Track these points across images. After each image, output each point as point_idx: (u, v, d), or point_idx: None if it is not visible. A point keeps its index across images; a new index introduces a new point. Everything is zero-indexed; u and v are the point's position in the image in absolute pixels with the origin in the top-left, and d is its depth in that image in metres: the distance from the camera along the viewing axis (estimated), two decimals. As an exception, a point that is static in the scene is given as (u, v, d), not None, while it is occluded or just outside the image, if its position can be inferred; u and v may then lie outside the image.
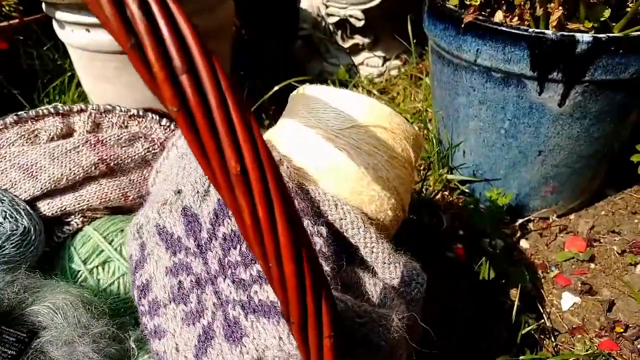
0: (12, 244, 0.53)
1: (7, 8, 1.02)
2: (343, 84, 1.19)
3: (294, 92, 0.62)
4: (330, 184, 0.50)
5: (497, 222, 0.86)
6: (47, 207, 0.61)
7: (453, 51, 0.80)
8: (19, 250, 0.53)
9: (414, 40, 1.21)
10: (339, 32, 1.31)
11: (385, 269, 0.46)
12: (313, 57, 1.37)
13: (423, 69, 1.32)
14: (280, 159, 0.48)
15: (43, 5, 1.00)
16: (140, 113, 0.67)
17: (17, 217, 0.56)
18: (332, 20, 1.28)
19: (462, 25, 0.75)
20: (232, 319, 0.40)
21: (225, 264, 0.42)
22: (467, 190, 0.92)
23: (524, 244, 0.89)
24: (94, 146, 0.62)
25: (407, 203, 0.57)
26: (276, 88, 1.12)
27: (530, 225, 0.92)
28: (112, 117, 0.66)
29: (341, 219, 0.47)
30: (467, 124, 0.86)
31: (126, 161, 0.64)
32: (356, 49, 1.33)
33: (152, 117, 0.67)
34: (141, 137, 0.66)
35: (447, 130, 0.92)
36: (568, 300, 0.78)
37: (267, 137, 0.54)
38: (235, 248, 0.42)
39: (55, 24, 1.02)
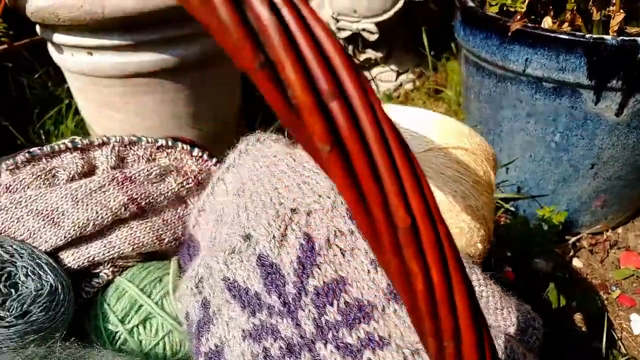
0: (39, 307, 0.45)
1: (-4, 33, 0.93)
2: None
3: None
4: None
5: (548, 242, 0.80)
6: (73, 259, 0.52)
7: (497, 62, 0.74)
8: (48, 315, 0.45)
9: (432, 53, 1.16)
10: (350, 47, 1.25)
11: (498, 315, 0.39)
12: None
13: (440, 81, 1.27)
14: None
15: (37, 28, 0.92)
16: (169, 143, 0.59)
17: (41, 273, 0.48)
18: (343, 35, 1.22)
19: (509, 34, 0.70)
20: (340, 396, 0.32)
21: (323, 325, 0.34)
22: (511, 209, 0.86)
23: (576, 262, 0.83)
24: (122, 184, 0.54)
25: (492, 233, 0.50)
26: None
27: (582, 242, 0.86)
28: (137, 150, 0.58)
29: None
30: (512, 138, 0.80)
31: (158, 199, 0.56)
32: (368, 64, 1.27)
33: (183, 148, 0.60)
34: (173, 171, 0.58)
35: (485, 145, 0.86)
36: (638, 322, 0.72)
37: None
38: (332, 305, 0.35)
39: (51, 48, 0.94)
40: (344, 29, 1.21)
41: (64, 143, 0.55)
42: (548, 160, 0.78)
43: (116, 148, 0.57)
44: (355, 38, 1.23)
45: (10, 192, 0.51)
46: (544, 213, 0.78)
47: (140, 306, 0.51)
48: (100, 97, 0.93)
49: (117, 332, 0.50)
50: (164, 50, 0.86)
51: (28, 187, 0.52)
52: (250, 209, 0.42)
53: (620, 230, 0.89)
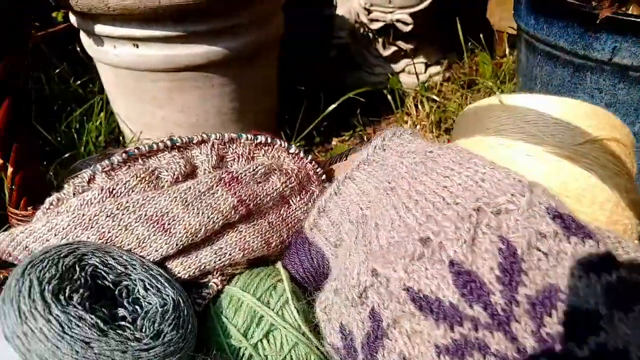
0: (169, 325, 0.40)
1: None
2: (394, 93, 1.10)
3: (469, 107, 0.52)
4: (586, 214, 0.41)
5: None
6: (182, 268, 0.47)
7: (578, 51, 0.72)
8: (179, 333, 0.40)
9: (469, 44, 1.13)
10: (380, 40, 1.22)
11: None
12: (349, 67, 1.28)
13: (470, 72, 1.25)
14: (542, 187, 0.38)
15: (73, 18, 0.85)
16: (268, 140, 0.55)
17: (159, 286, 0.43)
18: (375, 26, 1.18)
19: (597, 22, 0.68)
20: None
21: (545, 338, 0.31)
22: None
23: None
24: (229, 185, 0.49)
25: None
26: (334, 105, 1.02)
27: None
28: (236, 148, 0.54)
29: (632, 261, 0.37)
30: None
31: (265, 200, 0.52)
32: (397, 56, 1.24)
33: (281, 145, 0.55)
34: (275, 170, 0.54)
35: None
36: None
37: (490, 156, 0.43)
38: (550, 315, 0.32)
39: (87, 40, 0.87)
40: (377, 20, 1.18)
41: (161, 141, 0.50)
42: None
43: (216, 146, 0.52)
44: (388, 29, 1.19)
45: (114, 196, 0.46)
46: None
47: (261, 317, 0.47)
48: (143, 93, 0.87)
49: (240, 348, 0.45)
50: (213, 42, 0.81)
51: (132, 190, 0.47)
52: (415, 210, 0.38)
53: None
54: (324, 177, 0.58)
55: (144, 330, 0.39)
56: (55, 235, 0.45)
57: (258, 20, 0.85)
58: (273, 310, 0.47)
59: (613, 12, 0.67)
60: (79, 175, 0.48)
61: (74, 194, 0.47)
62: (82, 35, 0.88)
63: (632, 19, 0.66)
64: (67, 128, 1.01)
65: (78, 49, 1.04)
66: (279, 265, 0.53)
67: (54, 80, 1.12)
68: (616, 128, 0.45)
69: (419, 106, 1.07)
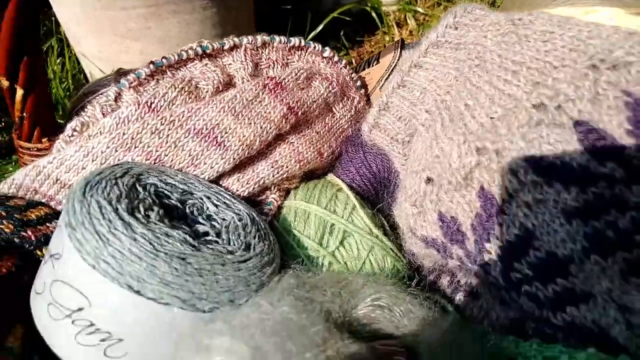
0: (254, 237, 0.36)
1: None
2: (377, 12, 1.05)
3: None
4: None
5: None
6: (240, 185, 0.43)
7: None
8: (265, 244, 0.36)
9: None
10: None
11: None
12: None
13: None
14: None
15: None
16: (302, 43, 0.50)
17: (227, 202, 0.38)
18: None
19: None
20: None
21: None
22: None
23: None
24: (274, 92, 0.44)
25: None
26: (321, 26, 0.96)
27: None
28: (270, 53, 0.48)
29: None
30: None
31: (311, 107, 0.47)
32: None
33: (314, 48, 0.50)
34: (316, 74, 0.49)
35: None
36: None
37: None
38: None
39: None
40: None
41: (190, 48, 0.44)
42: None
43: (249, 52, 0.46)
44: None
45: (154, 110, 0.40)
46: None
47: (333, 226, 0.43)
48: (115, 25, 0.77)
49: (318, 257, 0.42)
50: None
51: (173, 103, 0.41)
52: (517, 81, 0.35)
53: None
54: (359, 83, 0.54)
55: (231, 243, 0.34)
56: (93, 161, 0.38)
57: None
58: (342, 217, 0.44)
59: None
60: (103, 94, 0.41)
61: (102, 114, 0.40)
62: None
63: None
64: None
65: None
66: (330, 177, 0.49)
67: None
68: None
69: (402, 22, 1.03)
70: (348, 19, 0.98)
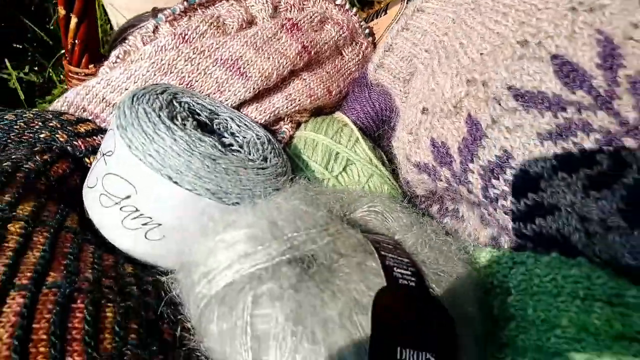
0: (271, 153, 0.42)
1: None
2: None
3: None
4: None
5: None
6: (258, 113, 0.49)
7: None
8: (280, 160, 0.42)
9: None
10: None
11: None
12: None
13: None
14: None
15: None
16: (317, -10, 0.54)
17: (247, 124, 0.44)
18: None
19: None
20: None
21: (646, 110, 0.35)
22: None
23: None
24: (291, 31, 0.50)
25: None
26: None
27: None
28: (288, -2, 0.53)
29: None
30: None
31: (323, 48, 0.52)
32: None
33: (328, -5, 0.55)
34: (328, 19, 0.54)
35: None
36: None
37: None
38: (647, 90, 0.36)
39: None
40: None
41: (219, -11, 0.49)
42: None
43: (270, -5, 0.51)
44: None
45: (187, 41, 0.45)
46: None
47: (337, 154, 0.49)
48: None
49: (324, 180, 0.48)
50: None
51: (203, 36, 0.46)
52: (506, 21, 0.40)
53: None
54: (367, 31, 0.58)
55: (252, 154, 0.40)
56: (135, 82, 0.44)
57: None
58: (346, 147, 0.50)
59: None
60: (143, 27, 0.47)
61: (143, 43, 0.46)
62: None
63: None
64: (53, 25, 0.95)
65: None
66: (337, 114, 0.55)
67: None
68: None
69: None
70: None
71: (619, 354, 0.31)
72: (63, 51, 0.72)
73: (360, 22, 0.58)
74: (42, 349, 0.29)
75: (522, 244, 0.40)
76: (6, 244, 0.34)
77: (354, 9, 0.57)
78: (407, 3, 0.58)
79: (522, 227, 0.39)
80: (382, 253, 0.32)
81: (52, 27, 0.94)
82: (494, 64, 0.39)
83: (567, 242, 0.37)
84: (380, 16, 0.62)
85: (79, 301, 0.32)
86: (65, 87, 0.85)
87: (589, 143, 0.36)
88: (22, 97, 0.82)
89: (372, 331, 0.27)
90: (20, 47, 0.96)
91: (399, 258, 0.33)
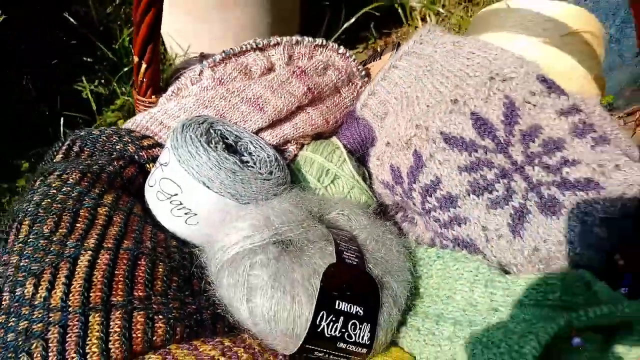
0: (276, 169, 0.59)
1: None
2: (404, 8, 1.24)
3: (482, 11, 0.69)
4: (564, 85, 0.59)
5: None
6: (271, 137, 0.66)
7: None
8: (282, 174, 0.59)
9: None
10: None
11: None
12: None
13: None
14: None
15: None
16: (324, 42, 0.71)
17: (261, 146, 0.62)
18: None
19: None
20: (547, 197, 0.49)
21: (529, 155, 0.51)
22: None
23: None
24: (300, 77, 0.67)
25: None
26: (352, 19, 1.16)
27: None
28: (300, 49, 0.70)
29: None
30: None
31: (324, 89, 0.69)
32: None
33: (332, 46, 0.72)
34: (330, 66, 0.71)
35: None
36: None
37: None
38: (533, 142, 0.51)
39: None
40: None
41: (248, 43, 0.67)
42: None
43: (286, 47, 0.69)
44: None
45: (223, 84, 0.63)
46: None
47: (328, 170, 0.66)
48: (189, 8, 1.00)
49: (316, 189, 0.65)
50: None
51: (234, 80, 0.64)
52: (448, 82, 0.56)
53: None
54: (363, 72, 0.75)
55: (261, 170, 0.58)
56: (184, 112, 0.62)
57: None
58: (335, 165, 0.66)
59: None
60: (192, 70, 0.65)
61: (191, 83, 0.64)
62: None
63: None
64: (118, 46, 1.15)
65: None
66: (333, 139, 0.72)
67: (99, 4, 1.24)
68: (591, 24, 0.62)
69: (426, 18, 1.22)
70: (377, 13, 1.17)
71: (488, 320, 0.47)
72: (126, 69, 0.91)
73: (358, 66, 0.74)
74: (120, 286, 0.47)
75: (446, 244, 0.56)
76: (97, 221, 0.52)
77: (353, 56, 0.74)
78: (396, 52, 0.74)
79: (446, 232, 0.55)
80: (338, 242, 0.49)
81: (116, 47, 1.14)
82: (433, 115, 0.55)
83: (473, 244, 0.53)
84: (376, 60, 0.78)
85: (142, 260, 0.50)
86: (126, 98, 1.05)
87: (490, 175, 0.52)
88: (94, 107, 1.03)
89: (320, 289, 0.44)
90: (91, 60, 1.17)
91: (350, 246, 0.50)
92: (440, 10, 1.20)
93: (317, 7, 1.25)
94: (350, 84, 0.73)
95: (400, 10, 1.20)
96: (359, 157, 0.71)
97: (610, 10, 0.88)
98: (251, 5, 1.00)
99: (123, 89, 1.09)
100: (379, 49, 1.23)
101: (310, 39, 0.71)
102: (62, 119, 0.98)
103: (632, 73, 0.97)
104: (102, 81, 1.11)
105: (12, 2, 1.09)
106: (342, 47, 0.73)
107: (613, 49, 0.93)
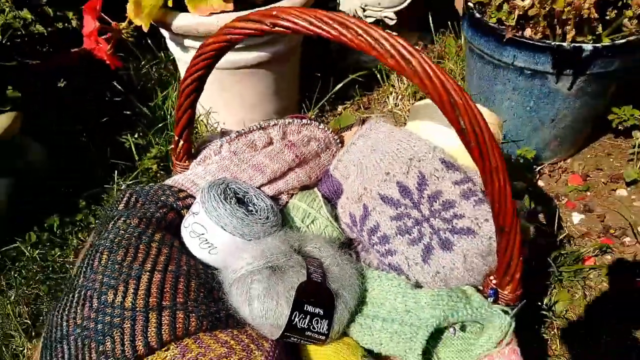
0: (271, 214, 0.86)
1: (125, 35, 1.27)
2: (382, 72, 1.52)
3: (418, 102, 0.96)
4: (465, 163, 0.86)
5: (524, 170, 1.25)
6: (270, 190, 0.93)
7: (494, 56, 1.15)
8: (275, 218, 0.86)
9: (440, 29, 1.54)
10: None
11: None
12: (348, 52, 1.69)
13: (440, 53, 1.66)
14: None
15: (167, 34, 1.26)
16: (308, 121, 0.99)
17: (262, 198, 0.89)
18: (369, 20, 1.58)
19: (504, 40, 1.10)
20: (444, 238, 0.76)
21: (433, 211, 0.77)
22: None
23: (540, 182, 1.29)
24: (291, 148, 0.94)
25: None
26: (340, 85, 1.44)
27: (544, 169, 1.32)
28: (292, 127, 0.98)
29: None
30: (502, 104, 1.22)
31: (308, 156, 0.96)
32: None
33: (314, 124, 1.00)
34: (313, 139, 0.98)
35: (483, 107, 1.28)
36: (577, 217, 1.19)
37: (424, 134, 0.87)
38: (436, 201, 0.78)
39: (173, 46, 1.29)
40: (370, 17, 1.58)
41: (254, 125, 0.95)
42: (525, 117, 1.21)
43: (282, 127, 0.96)
44: (378, 23, 1.59)
45: (236, 155, 0.91)
46: (521, 152, 1.22)
47: (309, 213, 0.93)
48: (213, 82, 1.29)
49: (300, 227, 0.92)
50: (262, 49, 1.24)
51: (244, 152, 0.92)
52: (385, 160, 0.83)
53: (569, 160, 1.34)
54: (338, 140, 1.02)
55: (261, 216, 0.85)
56: (209, 174, 0.90)
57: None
58: (315, 210, 0.93)
59: (514, 34, 1.09)
60: (214, 143, 0.93)
61: (214, 154, 0.92)
62: (170, 42, 1.29)
63: (524, 39, 1.09)
64: (157, 104, 1.45)
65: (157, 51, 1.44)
66: (315, 189, 0.99)
67: (137, 69, 1.54)
68: (492, 116, 0.89)
69: (402, 80, 1.50)
70: (361, 79, 1.46)
71: (403, 318, 0.73)
72: (160, 124, 1.18)
73: (334, 136, 1.02)
74: (167, 295, 0.74)
75: (384, 268, 0.82)
76: (151, 252, 0.80)
77: (330, 129, 1.01)
78: (361, 127, 1.02)
79: (384, 259, 0.81)
80: (309, 267, 0.76)
81: (152, 105, 1.43)
82: (374, 181, 0.82)
83: (400, 268, 0.79)
84: (349, 130, 1.06)
85: (181, 278, 0.77)
86: (160, 147, 1.34)
87: (409, 223, 0.78)
88: (136, 157, 1.32)
89: (295, 297, 0.71)
90: (130, 113, 1.46)
91: (317, 269, 0.76)
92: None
93: (312, 75, 1.54)
94: (328, 149, 1.00)
95: (378, 75, 1.47)
96: (333, 203, 0.98)
97: (527, 90, 1.15)
98: (261, 77, 1.28)
99: (157, 139, 1.37)
100: (362, 106, 1.51)
101: (298, 120, 0.98)
102: (110, 164, 1.26)
103: (551, 132, 1.23)
104: (141, 134, 1.40)
105: (74, 72, 1.39)
106: (322, 123, 1.01)
107: (534, 117, 1.20)
